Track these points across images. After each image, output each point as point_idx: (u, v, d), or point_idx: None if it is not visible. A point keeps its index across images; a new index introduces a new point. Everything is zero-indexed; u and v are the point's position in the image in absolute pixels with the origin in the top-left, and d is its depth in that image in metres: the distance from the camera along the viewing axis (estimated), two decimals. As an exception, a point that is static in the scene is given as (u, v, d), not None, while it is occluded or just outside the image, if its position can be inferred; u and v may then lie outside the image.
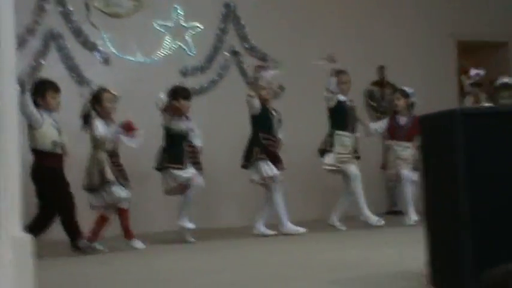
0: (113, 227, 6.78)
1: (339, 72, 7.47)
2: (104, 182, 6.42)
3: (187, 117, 7.04)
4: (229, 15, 8.94)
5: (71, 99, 7.74)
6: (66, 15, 8.13)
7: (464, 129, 2.84)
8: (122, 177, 6.60)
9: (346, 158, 7.37)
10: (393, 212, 8.91)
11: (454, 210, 2.85)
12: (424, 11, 9.83)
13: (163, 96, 6.90)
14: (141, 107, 7.47)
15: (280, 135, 7.34)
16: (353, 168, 7.35)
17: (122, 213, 6.62)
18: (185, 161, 6.91)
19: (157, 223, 8.00)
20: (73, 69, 8.12)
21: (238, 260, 5.58)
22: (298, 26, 9.15)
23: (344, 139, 7.38)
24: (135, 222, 6.91)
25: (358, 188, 7.34)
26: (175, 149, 6.91)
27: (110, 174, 6.43)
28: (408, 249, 5.14)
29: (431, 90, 9.18)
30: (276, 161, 7.22)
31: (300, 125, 8.46)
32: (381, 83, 9.48)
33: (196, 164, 6.99)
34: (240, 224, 8.11)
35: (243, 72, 8.93)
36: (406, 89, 7.71)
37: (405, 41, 9.66)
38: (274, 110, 7.36)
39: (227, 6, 8.92)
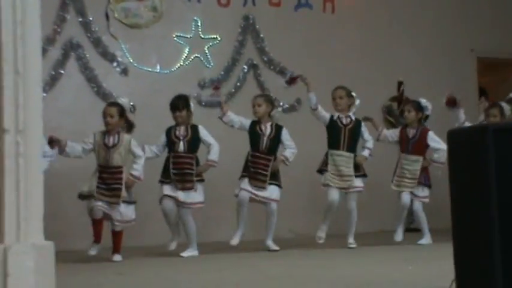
0: (129, 238, 6.78)
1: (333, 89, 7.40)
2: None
3: None
4: (248, 28, 8.94)
5: (90, 108, 7.77)
6: (86, 25, 8.15)
7: (496, 145, 2.80)
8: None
9: (340, 179, 7.21)
10: (411, 229, 8.82)
11: (484, 227, 2.80)
12: (445, 27, 9.79)
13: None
14: (158, 117, 7.46)
15: (287, 152, 7.16)
16: (332, 195, 7.18)
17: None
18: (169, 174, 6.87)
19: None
20: (92, 79, 8.13)
21: (254, 274, 5.52)
22: (317, 41, 9.13)
23: (336, 159, 7.23)
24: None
25: (328, 213, 7.26)
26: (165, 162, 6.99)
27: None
28: (430, 267, 5.07)
29: (451, 107, 9.11)
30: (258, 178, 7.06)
31: (311, 141, 8.38)
32: (399, 98, 9.42)
33: None
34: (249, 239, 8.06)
35: (261, 85, 8.91)
36: (423, 101, 7.58)
37: (425, 56, 9.62)
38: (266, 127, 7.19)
39: (246, 18, 8.92)
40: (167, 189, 6.74)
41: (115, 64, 8.26)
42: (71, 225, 7.41)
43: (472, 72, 9.98)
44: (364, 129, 7.39)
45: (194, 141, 6.90)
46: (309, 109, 7.42)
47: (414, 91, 9.21)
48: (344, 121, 7.29)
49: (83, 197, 6.47)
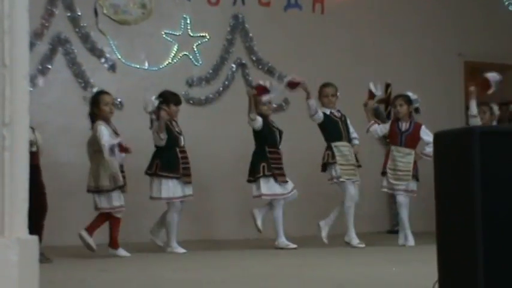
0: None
1: (323, 86, 7.54)
2: (116, 187, 6.47)
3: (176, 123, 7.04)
4: (237, 27, 8.94)
5: (77, 104, 7.74)
6: (75, 21, 8.11)
7: (482, 148, 2.82)
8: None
9: (350, 169, 7.34)
10: (394, 231, 8.85)
11: (468, 229, 2.82)
12: (434, 30, 9.83)
13: (154, 99, 6.85)
14: (145, 114, 7.42)
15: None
16: (351, 190, 7.31)
17: (116, 222, 6.62)
18: (179, 169, 6.85)
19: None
20: (79, 74, 8.10)
21: (239, 272, 5.52)
22: (306, 41, 9.14)
23: (343, 149, 7.36)
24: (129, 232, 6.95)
25: (351, 209, 7.31)
26: (169, 155, 6.88)
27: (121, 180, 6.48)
28: (415, 268, 5.09)
29: (438, 109, 9.16)
30: (279, 174, 7.20)
31: (303, 139, 8.42)
32: (386, 100, 9.45)
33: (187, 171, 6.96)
34: (237, 237, 8.09)
35: (249, 84, 8.91)
36: (410, 94, 7.61)
37: (413, 58, 9.65)
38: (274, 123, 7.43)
39: (236, 17, 8.92)
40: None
41: (103, 60, 8.23)
42: (60, 220, 7.37)
43: (459, 76, 10.03)
44: (349, 122, 7.59)
45: None
46: (295, 108, 7.47)
47: (402, 92, 9.24)
48: (337, 114, 7.48)
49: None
